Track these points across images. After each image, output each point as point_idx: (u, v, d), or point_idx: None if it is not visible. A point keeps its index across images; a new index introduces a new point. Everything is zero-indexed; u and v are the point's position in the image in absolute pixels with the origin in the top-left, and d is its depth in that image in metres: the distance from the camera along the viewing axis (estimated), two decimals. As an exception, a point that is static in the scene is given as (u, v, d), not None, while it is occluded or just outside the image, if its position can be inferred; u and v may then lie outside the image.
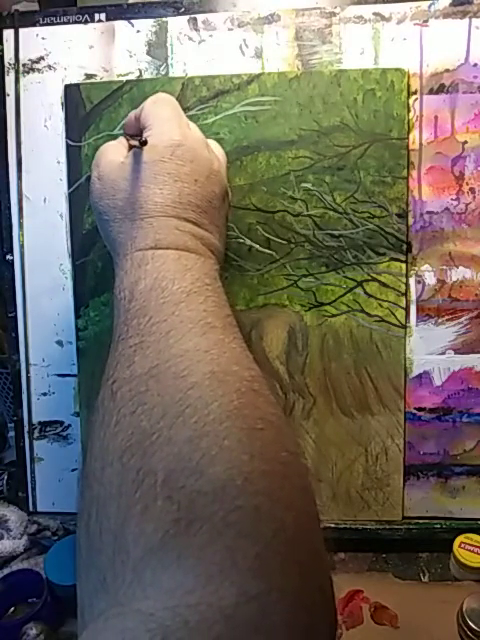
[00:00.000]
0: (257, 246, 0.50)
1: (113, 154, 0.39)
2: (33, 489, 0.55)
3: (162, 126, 0.37)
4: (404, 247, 0.49)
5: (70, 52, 0.50)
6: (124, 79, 0.49)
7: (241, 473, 0.23)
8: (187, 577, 0.20)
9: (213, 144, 0.42)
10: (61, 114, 0.50)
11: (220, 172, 0.40)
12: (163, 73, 0.49)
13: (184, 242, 0.35)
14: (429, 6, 0.47)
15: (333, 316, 0.50)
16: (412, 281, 0.50)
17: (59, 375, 0.53)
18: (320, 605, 0.22)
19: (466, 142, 0.48)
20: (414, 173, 0.48)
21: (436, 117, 0.48)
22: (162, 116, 0.38)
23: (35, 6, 0.57)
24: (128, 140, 0.41)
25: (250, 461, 0.23)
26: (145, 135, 0.37)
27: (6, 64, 0.50)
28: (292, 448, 0.26)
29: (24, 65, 0.50)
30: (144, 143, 0.36)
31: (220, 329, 0.31)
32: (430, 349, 0.50)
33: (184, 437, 0.24)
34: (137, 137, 0.37)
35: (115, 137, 0.49)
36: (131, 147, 0.39)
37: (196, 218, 0.37)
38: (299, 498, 0.25)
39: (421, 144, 0.48)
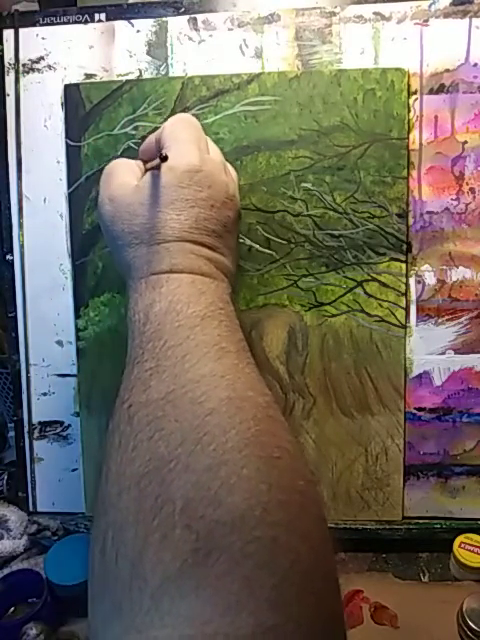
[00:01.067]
0: (257, 246, 0.50)
1: (125, 175, 0.38)
2: (33, 489, 0.55)
3: (181, 148, 0.37)
4: (404, 247, 0.49)
5: (70, 52, 0.50)
6: (124, 79, 0.49)
7: (259, 503, 0.23)
8: (205, 606, 0.20)
9: (228, 165, 0.42)
10: (61, 114, 0.50)
11: (235, 196, 0.40)
12: (163, 73, 0.49)
13: (199, 266, 0.35)
14: (429, 5, 0.47)
15: (333, 316, 0.50)
16: (412, 281, 0.50)
17: (59, 375, 0.53)
18: (333, 634, 0.23)
19: (466, 142, 0.47)
20: (414, 173, 0.48)
21: (436, 117, 0.48)
22: (182, 138, 0.37)
23: (35, 6, 0.57)
24: (145, 163, 0.40)
25: (268, 491, 0.23)
26: (164, 152, 0.36)
27: (6, 64, 0.50)
28: (308, 475, 0.27)
29: (24, 65, 0.50)
30: (165, 158, 0.35)
31: (234, 354, 0.31)
32: (430, 349, 0.50)
33: (203, 465, 0.24)
34: (158, 155, 0.36)
35: (115, 137, 0.49)
36: (148, 169, 0.38)
37: (211, 242, 0.36)
38: (315, 528, 0.25)
39: (421, 144, 0.48)
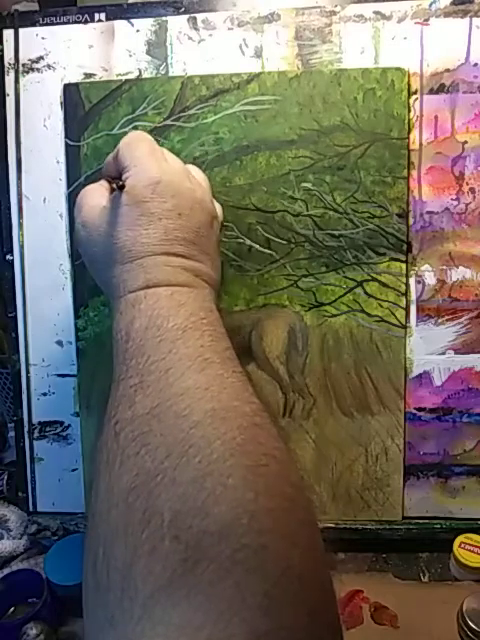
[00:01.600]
0: (257, 246, 0.50)
1: (95, 199, 0.39)
2: (33, 489, 0.55)
3: (139, 166, 0.37)
4: (404, 247, 0.49)
5: (70, 52, 0.50)
6: (123, 78, 0.49)
7: (246, 512, 0.23)
8: (196, 614, 0.20)
9: (194, 169, 0.42)
10: (60, 114, 0.50)
11: (204, 199, 0.39)
12: (163, 72, 0.49)
13: (175, 277, 0.35)
14: (430, 5, 0.47)
15: (333, 316, 0.50)
16: (412, 281, 0.50)
17: (59, 375, 0.53)
18: (328, 638, 0.23)
19: (466, 142, 0.47)
20: (414, 173, 0.48)
21: (436, 117, 0.47)
22: (137, 156, 0.37)
23: (35, 6, 0.56)
24: (109, 183, 0.40)
25: (255, 499, 0.24)
26: (123, 177, 0.37)
27: (6, 64, 0.50)
28: (296, 481, 0.27)
29: (24, 65, 0.50)
30: (122, 187, 0.36)
31: (219, 364, 0.31)
32: (430, 349, 0.50)
33: (189, 477, 0.24)
34: (116, 180, 0.37)
35: (114, 137, 0.49)
36: (112, 190, 0.38)
37: (185, 251, 0.36)
38: (305, 533, 0.25)
39: (421, 144, 0.48)
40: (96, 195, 0.39)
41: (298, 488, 0.26)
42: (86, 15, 0.50)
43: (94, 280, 0.51)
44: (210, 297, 0.36)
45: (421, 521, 0.52)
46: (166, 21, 0.49)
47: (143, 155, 0.37)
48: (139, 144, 0.38)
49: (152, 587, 0.22)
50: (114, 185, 0.37)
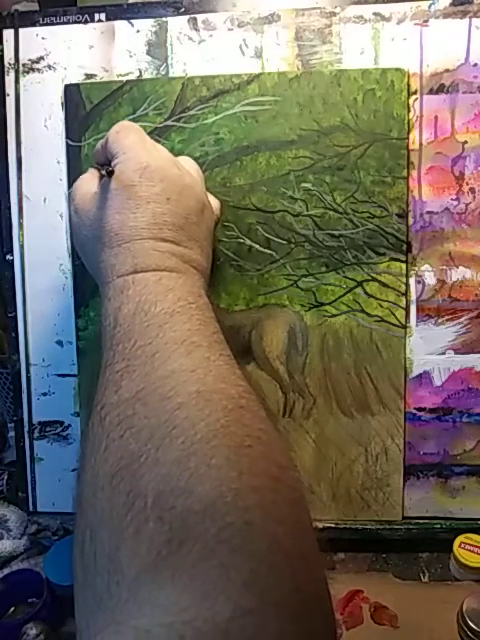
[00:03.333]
0: (257, 246, 0.50)
1: (87, 186, 0.40)
2: (33, 489, 0.55)
3: (127, 153, 0.37)
4: (404, 247, 0.49)
5: (70, 52, 0.50)
6: (124, 79, 0.49)
7: (230, 489, 0.23)
8: (182, 594, 0.20)
9: (184, 160, 0.43)
10: (61, 114, 0.50)
11: (193, 187, 0.40)
12: (163, 73, 0.49)
13: (163, 262, 0.35)
14: (429, 6, 0.47)
15: (333, 316, 0.50)
16: (412, 281, 0.50)
17: (59, 375, 0.53)
18: (317, 616, 0.22)
19: (466, 142, 0.47)
20: (414, 173, 0.48)
21: (436, 117, 0.48)
22: (126, 143, 0.38)
23: (35, 6, 0.57)
24: (99, 170, 0.40)
25: (239, 477, 0.23)
26: (113, 164, 0.38)
27: (6, 64, 0.50)
28: (283, 462, 0.26)
29: (24, 65, 0.50)
30: (111, 173, 0.36)
31: (206, 348, 0.31)
32: (430, 349, 0.50)
33: (172, 458, 0.24)
34: (105, 166, 0.38)
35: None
36: (102, 177, 0.39)
37: (173, 237, 0.36)
38: (292, 511, 0.25)
39: (421, 144, 0.48)
40: (88, 182, 0.40)
41: (284, 468, 0.26)
42: (86, 15, 0.50)
43: (94, 280, 0.51)
44: (199, 283, 0.37)
45: (421, 521, 0.52)
46: (166, 22, 0.49)
47: (132, 143, 0.38)
48: (128, 133, 0.39)
49: (137, 569, 0.22)
50: (103, 171, 0.37)
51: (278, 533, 0.23)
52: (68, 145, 0.50)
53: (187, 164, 0.42)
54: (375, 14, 0.47)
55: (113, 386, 0.30)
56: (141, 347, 0.30)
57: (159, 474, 0.24)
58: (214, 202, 0.45)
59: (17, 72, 0.50)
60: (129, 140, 0.38)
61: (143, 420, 0.27)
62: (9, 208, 0.52)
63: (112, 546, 0.23)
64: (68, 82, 0.50)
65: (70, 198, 0.40)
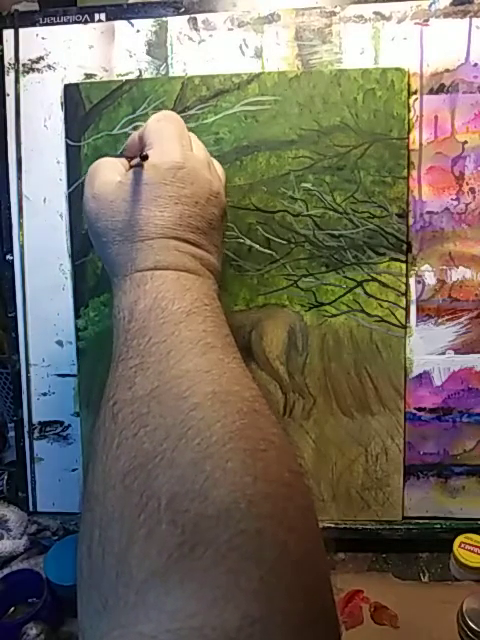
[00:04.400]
0: (257, 246, 0.50)
1: (109, 173, 0.38)
2: (33, 489, 0.55)
3: (164, 145, 0.37)
4: (404, 247, 0.49)
5: (70, 52, 0.50)
6: (124, 79, 0.49)
7: (245, 496, 0.23)
8: (190, 600, 0.20)
9: (215, 163, 0.42)
10: (61, 114, 0.50)
11: (220, 193, 0.39)
12: (163, 73, 0.49)
13: (183, 263, 0.35)
14: (430, 5, 0.47)
15: (333, 316, 0.50)
16: (412, 281, 0.50)
17: (59, 375, 0.53)
18: (323, 625, 0.22)
19: (466, 142, 0.47)
20: (414, 173, 0.48)
21: (436, 117, 0.47)
22: (165, 135, 0.37)
23: (35, 6, 0.56)
24: (129, 160, 0.40)
25: (253, 483, 0.23)
26: (146, 151, 0.37)
27: (6, 64, 0.50)
28: (295, 467, 0.26)
29: (24, 65, 0.50)
30: (145, 158, 0.35)
31: (220, 349, 0.31)
32: (430, 349, 0.50)
33: (187, 459, 0.24)
34: (140, 153, 0.36)
35: (115, 137, 0.49)
36: (131, 167, 0.38)
37: (195, 239, 0.36)
38: (302, 519, 0.25)
39: (421, 144, 0.48)
40: (111, 169, 0.39)
41: (296, 474, 0.26)
42: (86, 15, 0.50)
43: (95, 280, 0.51)
44: (214, 287, 0.37)
45: (421, 521, 0.52)
46: (166, 21, 0.49)
47: (171, 136, 0.37)
48: (169, 125, 0.38)
49: (147, 572, 0.22)
50: (138, 159, 0.36)
51: (288, 542, 0.23)
52: (68, 145, 0.50)
53: (218, 169, 0.42)
54: (375, 13, 0.47)
55: (126, 382, 0.29)
56: (156, 344, 0.30)
57: (174, 476, 0.24)
58: None
59: (17, 72, 0.50)
60: (168, 132, 0.37)
61: (158, 419, 0.26)
62: (9, 208, 0.52)
63: (122, 546, 0.23)
64: (68, 82, 0.50)
65: (88, 182, 0.39)
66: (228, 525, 0.22)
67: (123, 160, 0.40)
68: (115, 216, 0.36)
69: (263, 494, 0.23)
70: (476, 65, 0.47)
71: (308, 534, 0.24)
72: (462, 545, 0.50)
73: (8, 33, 0.50)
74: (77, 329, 0.52)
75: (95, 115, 0.50)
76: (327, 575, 0.24)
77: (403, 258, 0.49)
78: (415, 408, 0.51)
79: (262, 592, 0.20)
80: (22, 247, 0.52)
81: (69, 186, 0.51)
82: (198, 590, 0.20)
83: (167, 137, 0.37)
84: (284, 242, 0.49)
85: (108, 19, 0.50)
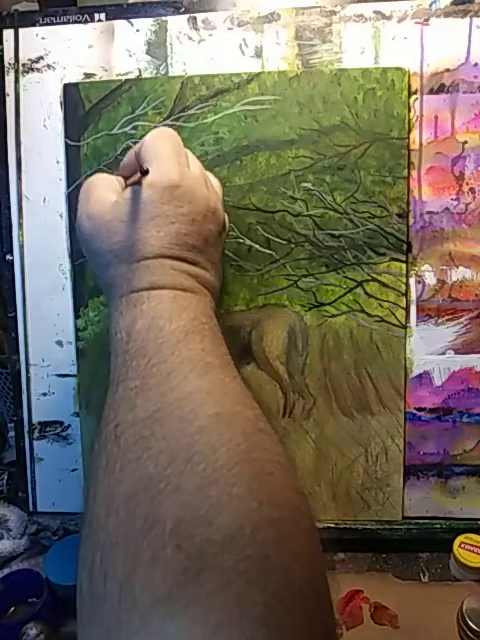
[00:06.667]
0: (257, 246, 0.49)
1: (104, 191, 0.38)
2: (33, 489, 0.55)
3: (162, 164, 0.36)
4: (404, 247, 0.49)
5: (69, 51, 0.50)
6: (123, 78, 0.49)
7: (250, 522, 0.23)
8: (195, 626, 0.20)
9: (211, 177, 0.41)
10: (60, 114, 0.50)
11: (217, 209, 0.39)
12: (163, 72, 0.49)
13: (180, 282, 0.35)
14: (430, 5, 0.47)
15: (333, 316, 0.50)
16: (412, 281, 0.50)
17: (59, 375, 0.53)
18: None
19: (466, 142, 0.47)
20: (414, 173, 0.48)
21: (436, 117, 0.47)
22: (162, 152, 0.36)
23: (35, 6, 0.56)
24: (125, 179, 0.39)
25: (259, 509, 0.23)
26: (145, 166, 0.36)
27: (6, 64, 0.50)
28: (299, 488, 0.26)
29: (24, 65, 0.50)
30: (146, 172, 0.35)
31: (220, 368, 0.31)
32: (430, 349, 0.50)
33: (193, 485, 0.24)
34: (140, 168, 0.36)
35: (114, 137, 0.49)
36: (129, 184, 0.37)
37: (192, 257, 0.36)
38: (306, 542, 0.25)
39: (421, 144, 0.48)
40: (106, 187, 0.38)
41: (301, 495, 0.26)
42: (86, 15, 0.49)
43: (94, 280, 0.51)
44: (211, 305, 0.36)
45: (421, 521, 0.52)
46: (166, 21, 0.49)
47: (168, 154, 0.37)
48: (166, 142, 0.37)
49: (151, 597, 0.21)
50: (136, 176, 0.36)
51: (293, 567, 0.23)
52: (67, 145, 0.50)
53: (214, 183, 0.41)
54: (376, 13, 0.47)
55: (127, 404, 0.29)
56: (156, 365, 0.30)
57: (179, 501, 0.24)
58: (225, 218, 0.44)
59: (17, 72, 0.50)
60: (165, 150, 0.37)
61: (161, 442, 0.26)
62: (9, 208, 0.52)
63: (126, 571, 0.23)
64: (67, 81, 0.50)
65: (83, 200, 0.38)
66: (233, 551, 0.22)
67: (119, 178, 0.40)
68: (111, 237, 0.36)
69: (269, 519, 0.23)
70: (476, 65, 0.47)
71: (311, 557, 0.24)
72: (462, 545, 0.50)
73: (8, 33, 0.50)
74: (77, 329, 0.52)
75: (94, 115, 0.50)
76: (328, 596, 0.24)
77: (403, 258, 0.49)
78: (415, 408, 0.51)
79: (266, 617, 0.21)
80: (22, 247, 0.52)
81: (68, 186, 0.51)
82: (203, 615, 0.20)
83: (164, 155, 0.36)
84: (284, 242, 0.49)
85: (108, 19, 0.49)
